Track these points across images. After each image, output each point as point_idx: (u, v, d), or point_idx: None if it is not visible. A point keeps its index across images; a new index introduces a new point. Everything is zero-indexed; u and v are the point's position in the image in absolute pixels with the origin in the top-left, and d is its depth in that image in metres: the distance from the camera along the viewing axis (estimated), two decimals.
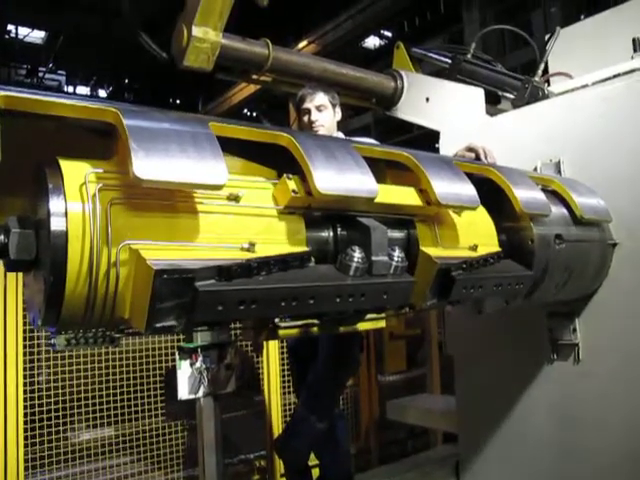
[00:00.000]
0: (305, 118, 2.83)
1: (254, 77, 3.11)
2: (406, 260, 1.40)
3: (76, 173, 1.06)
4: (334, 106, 2.87)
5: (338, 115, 2.92)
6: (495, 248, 1.71)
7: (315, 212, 1.35)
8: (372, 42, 14.52)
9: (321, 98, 2.82)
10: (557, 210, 2.04)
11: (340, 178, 1.27)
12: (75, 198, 1.03)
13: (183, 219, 1.15)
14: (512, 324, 2.50)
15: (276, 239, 1.27)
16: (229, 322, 1.53)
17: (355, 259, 1.30)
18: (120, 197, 1.07)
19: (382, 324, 2.68)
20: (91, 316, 1.07)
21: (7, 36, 14.89)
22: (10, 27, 14.72)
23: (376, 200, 1.38)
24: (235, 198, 1.21)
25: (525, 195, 1.73)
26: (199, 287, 1.06)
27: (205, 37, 2.54)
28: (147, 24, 2.95)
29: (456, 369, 2.90)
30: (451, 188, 1.50)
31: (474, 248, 1.62)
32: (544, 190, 1.96)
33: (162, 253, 1.08)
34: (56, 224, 1.01)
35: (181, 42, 2.55)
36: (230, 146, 1.33)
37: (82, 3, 11.90)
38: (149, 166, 1.02)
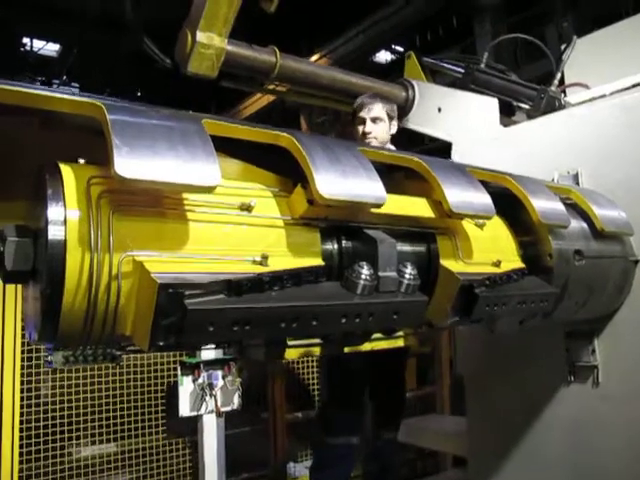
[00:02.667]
0: (360, 128, 2.78)
1: (270, 87, 3.06)
2: (419, 277, 1.30)
3: (77, 178, 0.98)
4: (391, 119, 2.83)
5: (394, 128, 2.87)
6: (518, 264, 1.61)
7: (330, 224, 1.26)
8: (383, 57, 14.50)
9: (379, 110, 2.77)
10: (576, 223, 1.93)
11: (345, 182, 1.17)
12: (75, 205, 0.96)
13: (191, 229, 1.07)
14: (527, 344, 2.37)
15: (290, 252, 1.18)
16: (222, 344, 1.43)
17: (363, 276, 1.20)
18: (124, 204, 1.00)
19: (400, 343, 2.62)
20: (90, 332, 0.99)
21: (22, 49, 15.05)
22: (25, 40, 14.89)
23: (389, 211, 1.30)
24: (247, 208, 1.14)
25: (543, 205, 1.62)
26: (188, 305, 0.96)
27: (210, 43, 2.47)
28: (153, 31, 2.89)
29: (467, 390, 2.77)
30: (465, 196, 1.39)
31: (497, 264, 1.54)
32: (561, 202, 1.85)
33: (168, 266, 1.01)
34: (54, 233, 0.94)
35: (185, 48, 2.48)
36: (228, 147, 1.24)
37: (94, 16, 11.99)
38: (132, 164, 0.92)
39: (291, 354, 2.88)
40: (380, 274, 1.23)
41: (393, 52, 14.58)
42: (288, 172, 1.24)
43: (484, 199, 1.42)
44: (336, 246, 1.30)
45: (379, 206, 1.19)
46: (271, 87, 3.11)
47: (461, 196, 1.37)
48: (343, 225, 1.29)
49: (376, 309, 1.21)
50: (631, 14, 3.12)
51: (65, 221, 0.94)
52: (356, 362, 2.85)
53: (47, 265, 0.94)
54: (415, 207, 1.41)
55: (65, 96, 1.01)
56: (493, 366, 2.58)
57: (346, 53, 10.28)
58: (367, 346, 2.45)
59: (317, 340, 1.36)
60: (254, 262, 1.11)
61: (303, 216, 1.21)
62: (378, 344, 2.50)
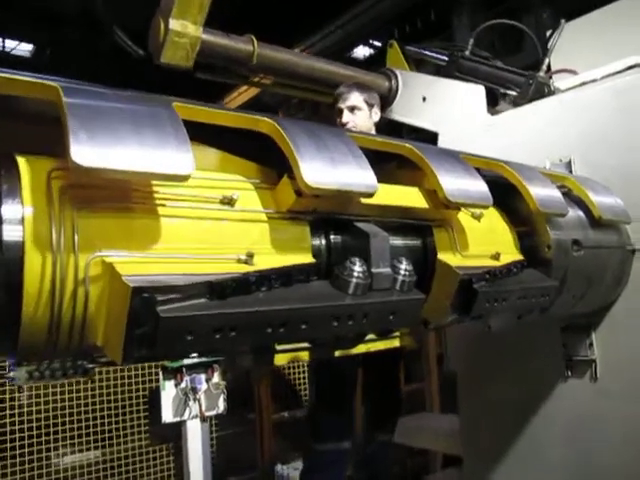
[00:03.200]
0: (338, 119, 2.68)
1: (255, 80, 2.94)
2: (414, 273, 1.20)
3: (36, 171, 0.87)
4: (371, 106, 2.73)
5: (376, 116, 2.77)
6: (518, 256, 1.53)
7: (319, 217, 1.16)
8: (362, 52, 14.40)
9: (355, 98, 2.68)
10: (573, 212, 1.85)
11: (333, 170, 1.06)
12: (34, 201, 0.85)
13: (167, 226, 0.96)
14: (522, 338, 2.29)
15: (277, 249, 1.08)
16: (205, 353, 1.32)
17: (355, 273, 1.09)
18: (90, 200, 0.89)
19: (396, 343, 2.53)
20: (56, 344, 0.88)
21: None
22: None
23: (381, 202, 1.21)
24: (229, 201, 1.03)
25: (540, 192, 1.53)
26: (161, 312, 0.85)
27: (184, 31, 2.34)
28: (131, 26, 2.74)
29: (459, 387, 2.68)
30: (461, 184, 1.30)
31: (496, 256, 1.45)
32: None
33: (142, 267, 0.90)
34: (9, 233, 0.83)
35: (158, 37, 2.35)
36: (206, 135, 1.13)
37: (68, 14, 11.72)
38: (92, 151, 0.81)
39: (280, 360, 2.77)
40: (373, 270, 1.13)
41: (371, 47, 14.48)
42: (271, 162, 1.13)
43: (481, 187, 1.33)
44: (324, 241, 1.19)
45: (370, 195, 1.09)
46: (264, 81, 3.00)
47: (457, 184, 1.28)
48: (331, 218, 1.18)
49: (370, 309, 1.11)
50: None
51: (22, 220, 0.83)
52: (345, 364, 2.75)
53: (3, 270, 0.82)
54: (409, 197, 1.32)
55: (15, 76, 0.89)
56: (487, 362, 2.50)
57: (325, 47, 10.16)
58: (362, 348, 2.35)
59: (306, 344, 1.25)
60: (239, 261, 1.00)
61: (290, 209, 1.11)
62: (374, 345, 2.41)
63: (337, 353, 1.35)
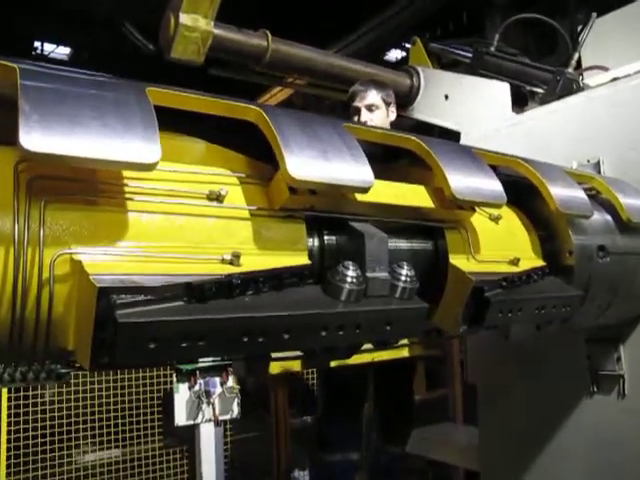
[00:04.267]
0: (355, 118, 2.60)
1: (289, 80, 2.87)
2: (416, 280, 1.09)
3: (2, 162, 0.80)
4: (388, 105, 2.65)
5: (392, 115, 2.69)
6: (538, 262, 1.43)
7: (316, 215, 1.07)
8: (394, 55, 14.27)
9: (373, 97, 2.60)
10: (599, 216, 1.72)
11: (324, 163, 0.96)
12: None
13: (145, 222, 0.88)
14: (544, 350, 2.15)
15: (267, 249, 0.99)
16: (170, 363, 1.23)
17: (348, 279, 0.99)
18: (60, 193, 0.82)
19: (404, 353, 2.41)
20: (19, 347, 0.81)
21: (34, 52, 15.01)
22: (36, 44, 14.82)
23: (385, 200, 1.12)
24: (217, 197, 0.95)
25: (562, 192, 1.41)
26: (119, 317, 0.77)
27: (194, 26, 2.28)
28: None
29: (479, 399, 2.55)
30: (470, 181, 1.18)
31: (515, 262, 1.34)
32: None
33: (115, 266, 0.82)
34: None
35: (168, 32, 2.30)
36: (194, 128, 1.05)
37: (100, 18, 11.90)
38: (43, 136, 0.73)
39: (295, 365, 2.67)
40: (368, 275, 1.03)
41: (404, 49, 14.35)
42: (267, 157, 1.04)
43: (493, 184, 1.21)
44: (317, 242, 1.09)
45: (365, 190, 0.99)
46: (289, 80, 2.93)
47: (466, 181, 1.17)
48: (324, 217, 1.08)
49: (364, 319, 1.00)
50: None
51: None
52: (354, 372, 2.64)
53: None
54: (418, 197, 1.21)
55: None
56: (507, 374, 2.36)
57: (358, 49, 10.09)
58: (367, 357, 2.24)
59: (297, 353, 1.15)
60: (223, 261, 0.92)
61: (284, 207, 1.02)
62: (380, 355, 2.30)
63: (334, 363, 1.25)
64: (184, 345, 0.82)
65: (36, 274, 0.78)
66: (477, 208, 1.28)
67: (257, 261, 0.95)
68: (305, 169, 0.92)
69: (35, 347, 0.82)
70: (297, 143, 0.96)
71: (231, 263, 0.92)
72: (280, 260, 0.99)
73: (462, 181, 1.16)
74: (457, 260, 1.26)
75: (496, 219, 1.40)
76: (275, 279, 0.96)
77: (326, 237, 1.10)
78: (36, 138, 0.72)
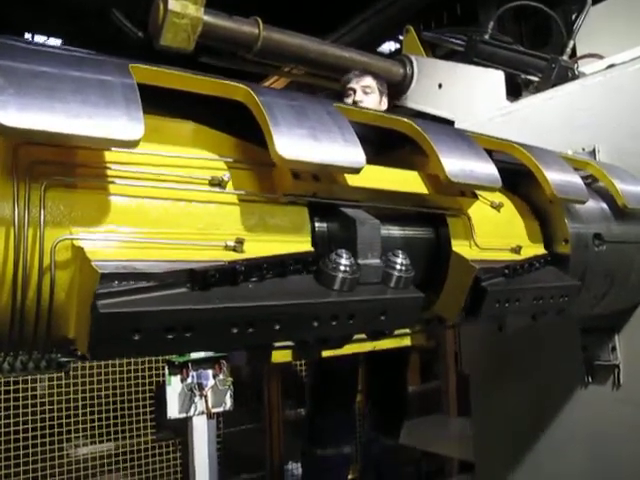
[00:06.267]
0: (349, 100, 2.56)
1: (286, 70, 2.84)
2: (412, 269, 1.07)
3: (1, 145, 0.77)
4: (381, 94, 2.62)
5: (384, 105, 2.65)
6: (540, 250, 1.42)
7: (318, 202, 1.05)
8: (387, 47, 14.24)
9: (369, 80, 2.57)
10: (595, 204, 1.70)
11: (313, 142, 0.93)
12: None
13: (147, 208, 0.87)
14: (539, 340, 2.14)
15: (270, 235, 0.98)
16: (156, 354, 1.20)
17: (342, 267, 0.96)
18: (62, 176, 0.79)
19: (407, 342, 2.38)
20: (20, 335, 0.79)
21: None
22: (27, 35, 14.71)
23: (385, 187, 1.11)
24: (219, 183, 0.93)
25: (557, 177, 1.38)
26: (101, 306, 0.74)
27: (184, 12, 2.24)
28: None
29: (472, 390, 2.53)
30: (465, 164, 1.16)
31: (517, 250, 1.33)
32: None
33: (116, 252, 0.81)
34: None
35: (157, 18, 2.25)
36: (179, 106, 1.02)
37: (91, 8, 11.79)
38: (20, 110, 0.69)
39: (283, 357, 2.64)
40: (360, 262, 1.00)
41: (397, 41, 14.30)
42: (239, 132, 1.01)
43: (488, 168, 1.19)
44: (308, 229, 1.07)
45: (356, 171, 0.96)
46: (296, 71, 2.89)
47: (460, 164, 1.14)
48: (316, 203, 1.05)
49: (358, 309, 0.97)
50: None
51: None
52: (344, 362, 2.60)
53: None
54: (419, 183, 1.19)
55: None
56: (501, 364, 2.35)
57: (351, 41, 10.03)
58: (368, 346, 2.21)
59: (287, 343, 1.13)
60: (226, 248, 0.90)
61: (287, 192, 1.00)
62: (381, 344, 2.27)
63: (325, 353, 1.23)
64: (170, 337, 0.79)
65: (37, 260, 0.77)
66: (479, 195, 1.26)
67: (260, 248, 0.94)
68: (294, 149, 0.90)
69: (36, 335, 0.81)
70: (286, 122, 0.93)
71: (235, 250, 0.90)
72: (283, 247, 0.97)
73: (456, 164, 1.13)
74: (459, 248, 1.25)
75: (497, 207, 1.39)
76: (280, 266, 0.94)
77: (317, 224, 1.07)
78: (12, 113, 0.69)
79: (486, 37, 2.76)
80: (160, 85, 0.92)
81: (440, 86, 2.75)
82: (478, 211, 1.31)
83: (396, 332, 1.39)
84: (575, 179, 1.44)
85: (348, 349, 1.52)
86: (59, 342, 0.86)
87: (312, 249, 1.01)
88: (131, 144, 0.76)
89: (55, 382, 3.54)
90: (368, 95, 2.55)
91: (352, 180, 1.04)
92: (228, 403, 3.67)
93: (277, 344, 1.15)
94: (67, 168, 0.81)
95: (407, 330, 2.03)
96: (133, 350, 0.80)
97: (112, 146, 0.78)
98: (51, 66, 0.78)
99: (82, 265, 0.78)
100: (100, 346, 0.76)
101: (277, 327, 0.89)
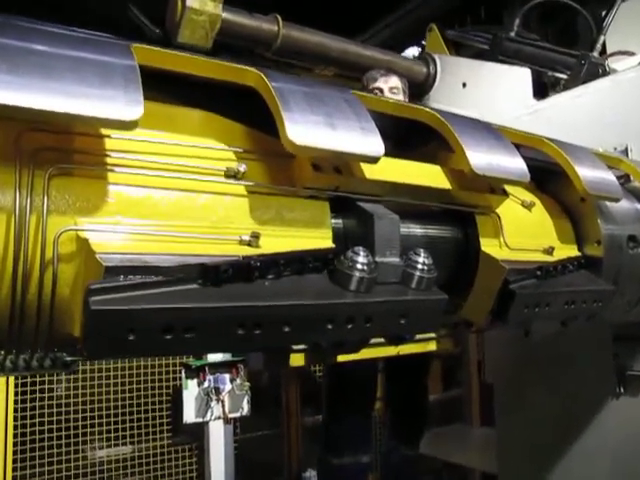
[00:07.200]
0: None
1: (316, 72, 2.80)
2: (435, 269, 1.00)
3: (3, 132, 0.73)
4: (405, 94, 2.57)
5: None
6: (573, 252, 1.35)
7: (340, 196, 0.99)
8: (411, 52, 14.21)
9: (396, 80, 2.53)
10: (628, 204, 1.61)
11: (327, 129, 0.87)
12: None
13: (157, 199, 0.82)
14: (568, 348, 2.04)
15: (288, 231, 0.92)
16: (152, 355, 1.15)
17: (359, 266, 0.90)
18: (67, 164, 0.75)
19: (432, 347, 2.29)
20: (20, 332, 0.75)
21: None
22: None
23: (411, 181, 1.04)
24: (235, 174, 0.88)
25: (589, 173, 1.30)
26: (92, 303, 0.68)
27: (202, 9, 2.20)
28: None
29: (496, 399, 2.44)
30: (491, 157, 1.08)
31: (549, 251, 1.27)
32: None
33: (124, 245, 0.76)
34: None
35: (175, 15, 2.22)
36: (194, 97, 0.97)
37: (91, 11, 11.94)
38: (11, 88, 0.65)
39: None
40: (377, 260, 0.93)
41: (421, 47, 14.25)
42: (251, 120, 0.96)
43: (515, 161, 1.12)
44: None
45: (374, 160, 0.89)
46: (325, 72, 2.85)
47: (486, 156, 1.07)
48: (333, 198, 0.99)
49: (376, 311, 0.90)
50: None
51: None
52: (362, 368, 2.52)
53: None
54: (447, 179, 1.12)
55: None
56: (527, 372, 2.25)
57: (375, 45, 10.01)
58: (392, 350, 2.13)
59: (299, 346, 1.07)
60: (241, 242, 0.85)
61: (307, 185, 0.94)
62: (405, 349, 2.19)
63: (342, 357, 1.16)
64: (168, 337, 0.73)
65: (39, 252, 0.72)
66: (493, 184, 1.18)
67: (277, 243, 0.88)
68: (307, 135, 0.83)
69: (37, 332, 0.77)
70: (300, 108, 0.87)
71: (249, 244, 0.85)
72: (302, 242, 0.91)
73: (482, 157, 1.06)
74: (488, 248, 1.18)
75: (529, 206, 1.33)
76: (298, 262, 0.88)
77: (333, 220, 1.00)
78: (2, 89, 0.64)
79: (512, 34, 2.68)
80: (166, 68, 0.87)
81: (464, 85, 2.68)
82: (508, 210, 1.25)
83: (421, 336, 1.33)
84: (608, 176, 1.36)
85: (369, 353, 1.46)
86: (63, 340, 0.81)
87: (333, 245, 0.94)
88: (128, 125, 0.71)
89: (72, 384, 3.52)
90: (395, 96, 2.50)
91: (371, 173, 0.98)
92: (245, 408, 3.61)
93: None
94: (73, 155, 0.77)
95: (432, 335, 1.95)
96: (128, 351, 0.75)
97: (107, 127, 0.73)
98: (47, 44, 0.73)
99: (87, 258, 0.73)
100: (94, 345, 0.71)
101: (287, 329, 0.83)
